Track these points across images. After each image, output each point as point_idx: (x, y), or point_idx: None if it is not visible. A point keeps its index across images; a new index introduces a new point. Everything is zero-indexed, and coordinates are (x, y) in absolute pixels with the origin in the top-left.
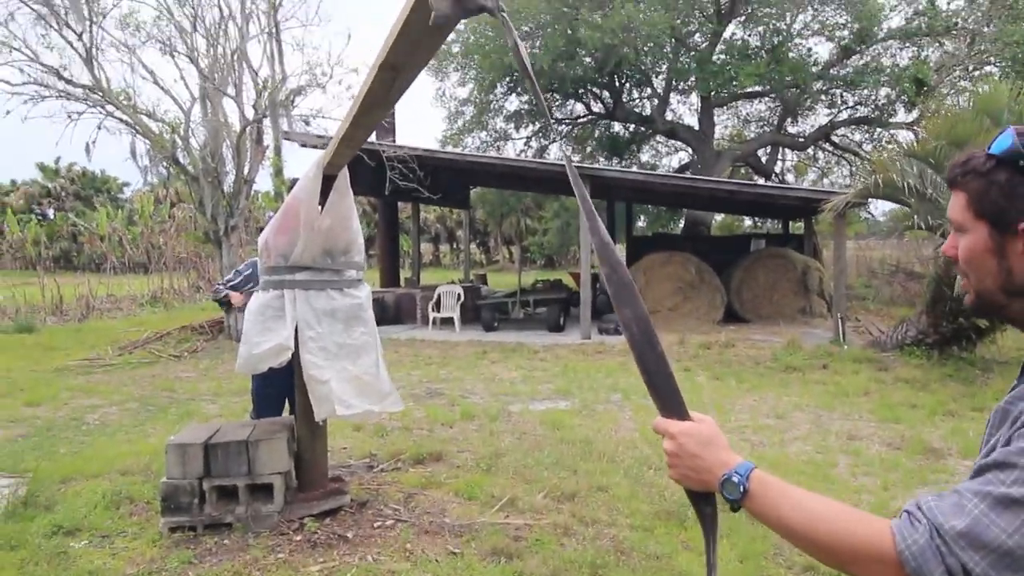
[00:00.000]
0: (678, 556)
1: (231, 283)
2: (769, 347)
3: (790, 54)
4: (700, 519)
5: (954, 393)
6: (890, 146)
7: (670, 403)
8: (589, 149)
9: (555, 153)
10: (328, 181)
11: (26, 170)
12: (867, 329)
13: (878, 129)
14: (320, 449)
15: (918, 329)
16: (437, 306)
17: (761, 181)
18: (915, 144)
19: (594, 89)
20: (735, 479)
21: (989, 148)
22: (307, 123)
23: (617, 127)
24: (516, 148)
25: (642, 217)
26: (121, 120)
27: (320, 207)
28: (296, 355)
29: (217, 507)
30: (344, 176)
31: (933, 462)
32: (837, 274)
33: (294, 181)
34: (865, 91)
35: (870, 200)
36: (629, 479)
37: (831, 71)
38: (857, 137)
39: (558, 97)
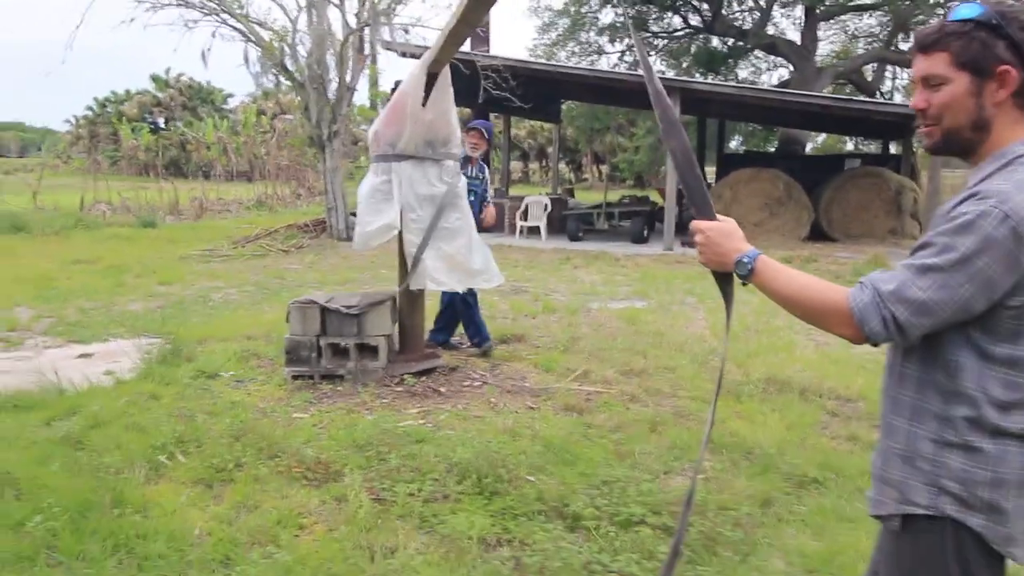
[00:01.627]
0: (730, 421)
1: None
2: (851, 263)
3: None
4: (723, 294)
5: None
6: None
7: (704, 208)
8: (685, 64)
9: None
10: (431, 79)
11: (140, 81)
12: None
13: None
14: (419, 318)
15: None
16: (525, 215)
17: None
18: None
19: (692, 1)
20: (745, 260)
21: (953, 17)
22: (406, 31)
23: (715, 41)
24: (610, 62)
25: (737, 137)
26: (234, 28)
27: (423, 103)
28: (401, 234)
29: (332, 361)
30: (446, 74)
31: None
32: (931, 193)
33: (396, 86)
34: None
35: None
36: (695, 363)
37: None
38: None
39: (654, 9)
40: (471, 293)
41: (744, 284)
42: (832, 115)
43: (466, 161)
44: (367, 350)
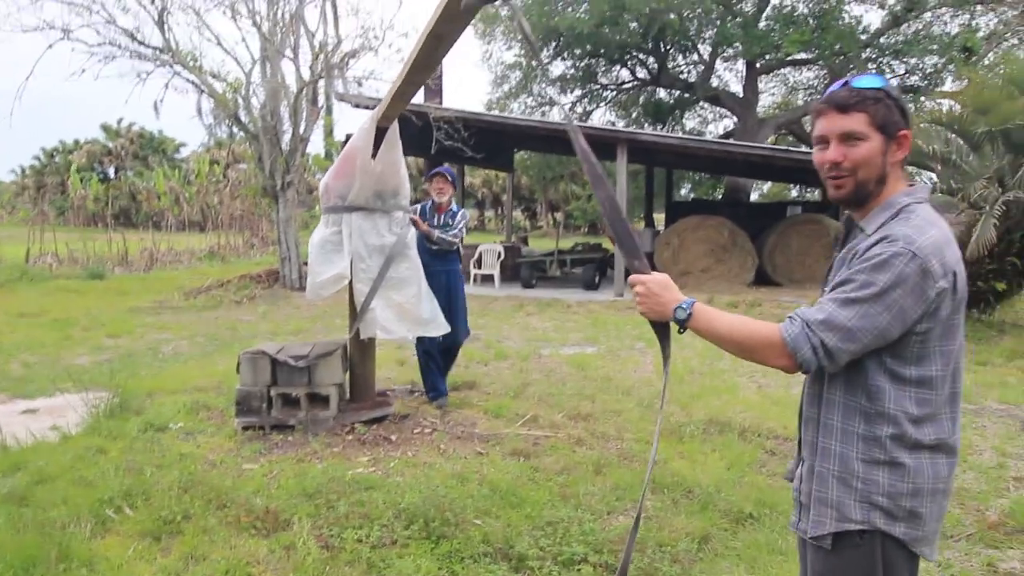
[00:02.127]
0: (672, 462)
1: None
2: (795, 307)
3: (839, 21)
4: (661, 341)
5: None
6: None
7: (636, 258)
8: (635, 115)
9: (598, 118)
10: (380, 133)
11: (90, 130)
12: None
13: (923, 99)
14: (369, 367)
15: None
16: (479, 263)
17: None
18: (940, 111)
19: (639, 55)
20: (684, 306)
21: (863, 85)
22: (360, 84)
23: (662, 93)
24: (562, 113)
25: (687, 185)
26: (187, 80)
27: (373, 156)
28: (352, 283)
29: (282, 411)
30: (394, 129)
31: None
32: None
33: (348, 137)
34: (913, 60)
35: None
36: (641, 407)
37: (880, 39)
38: (909, 107)
39: (603, 62)
40: (433, 345)
41: (681, 332)
42: (773, 164)
43: (433, 210)
44: (318, 400)
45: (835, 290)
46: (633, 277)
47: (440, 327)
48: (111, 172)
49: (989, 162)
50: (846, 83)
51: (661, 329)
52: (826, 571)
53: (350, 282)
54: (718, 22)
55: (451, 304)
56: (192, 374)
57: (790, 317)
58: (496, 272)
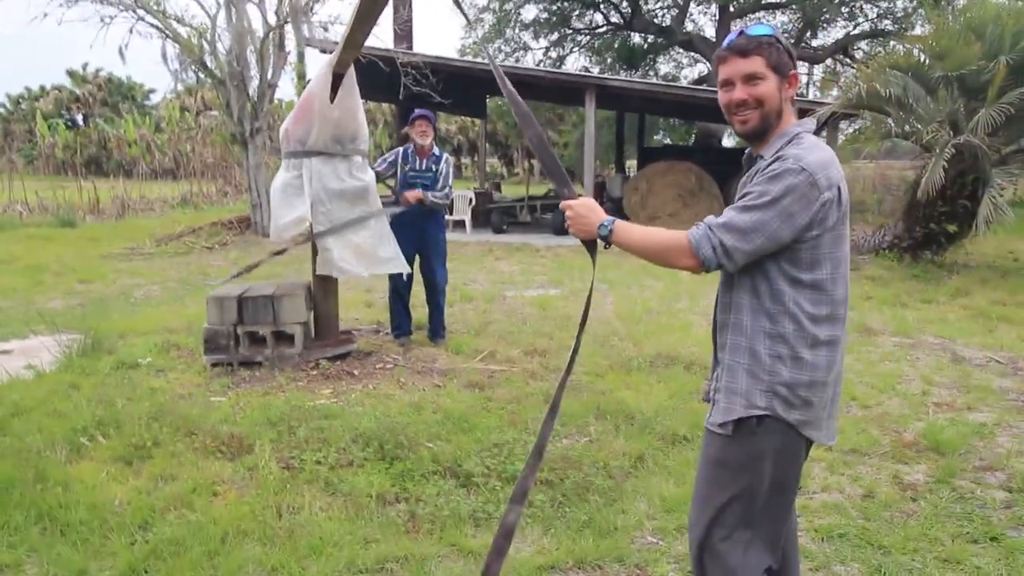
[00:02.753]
0: (619, 391)
1: (379, 169)
2: None
3: None
4: (590, 253)
5: (910, 289)
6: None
7: (564, 187)
8: (608, 60)
9: (571, 63)
10: (337, 78)
11: (56, 76)
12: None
13: (892, 43)
14: (332, 305)
15: (894, 234)
16: (450, 209)
17: None
18: (898, 56)
19: None
20: (606, 223)
21: (756, 33)
22: (325, 29)
23: (636, 38)
24: (535, 58)
25: (662, 132)
26: (151, 24)
27: (331, 101)
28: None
29: (249, 349)
30: (351, 74)
31: (867, 337)
32: None
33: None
34: (885, 4)
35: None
36: (596, 343)
37: None
38: (876, 51)
39: (577, 6)
40: (401, 283)
41: (607, 247)
42: None
43: (415, 154)
44: (283, 337)
45: (738, 202)
46: (563, 203)
47: (399, 265)
48: (79, 119)
49: (944, 106)
50: (742, 32)
51: (590, 245)
52: (722, 456)
53: (310, 224)
54: None
55: (425, 249)
56: (163, 316)
57: (697, 224)
58: (468, 218)
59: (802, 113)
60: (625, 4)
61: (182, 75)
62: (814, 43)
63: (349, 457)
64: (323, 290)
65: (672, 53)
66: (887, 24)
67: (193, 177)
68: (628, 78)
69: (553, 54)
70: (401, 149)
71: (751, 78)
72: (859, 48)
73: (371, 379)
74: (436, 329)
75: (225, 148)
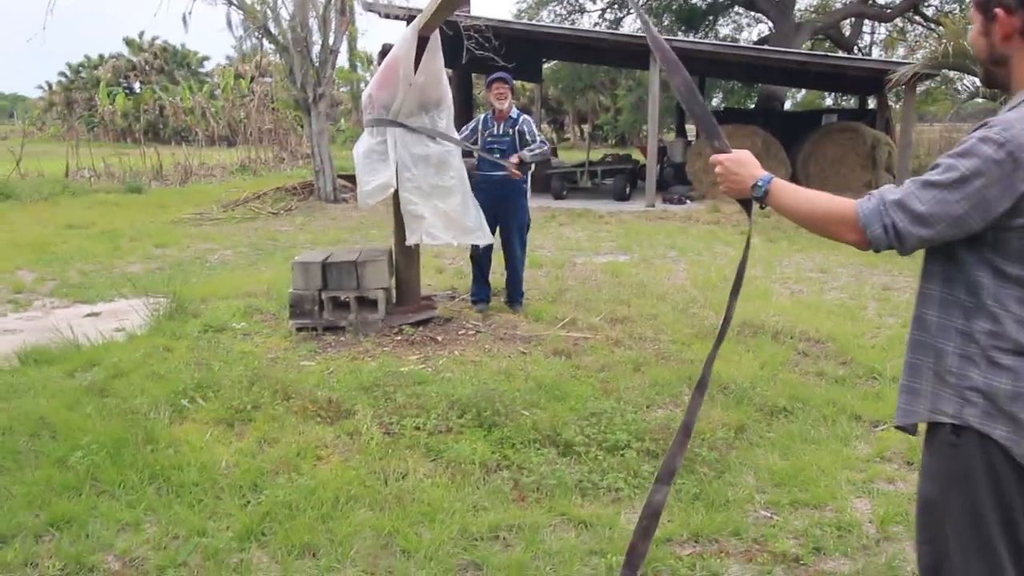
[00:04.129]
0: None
1: (461, 137)
2: None
3: None
4: (745, 210)
5: None
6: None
7: (716, 139)
8: (666, 22)
9: (628, 25)
10: (422, 42)
11: (113, 44)
12: None
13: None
14: (415, 272)
15: None
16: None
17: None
18: None
19: None
20: (760, 183)
21: None
22: None
23: None
24: (591, 20)
25: (718, 94)
26: None
27: (415, 66)
28: (397, 192)
29: (333, 314)
30: (436, 38)
31: None
32: (903, 147)
33: (383, 48)
34: None
35: (955, 76)
36: (675, 311)
37: None
38: (951, 7)
39: None
40: (480, 253)
41: (762, 208)
42: (810, 71)
43: (494, 119)
44: (366, 303)
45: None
46: (713, 157)
47: (484, 237)
48: (136, 87)
49: None
50: None
51: (745, 204)
52: (929, 468)
53: (396, 191)
54: None
55: (505, 217)
56: (241, 281)
57: (869, 194)
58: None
59: (881, 73)
60: None
61: (246, 42)
62: (880, 0)
63: (448, 423)
64: (405, 256)
65: (731, 14)
66: None
67: (250, 143)
68: (692, 39)
69: (610, 15)
70: (481, 116)
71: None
72: (930, 5)
73: (456, 345)
74: (514, 296)
75: (281, 114)
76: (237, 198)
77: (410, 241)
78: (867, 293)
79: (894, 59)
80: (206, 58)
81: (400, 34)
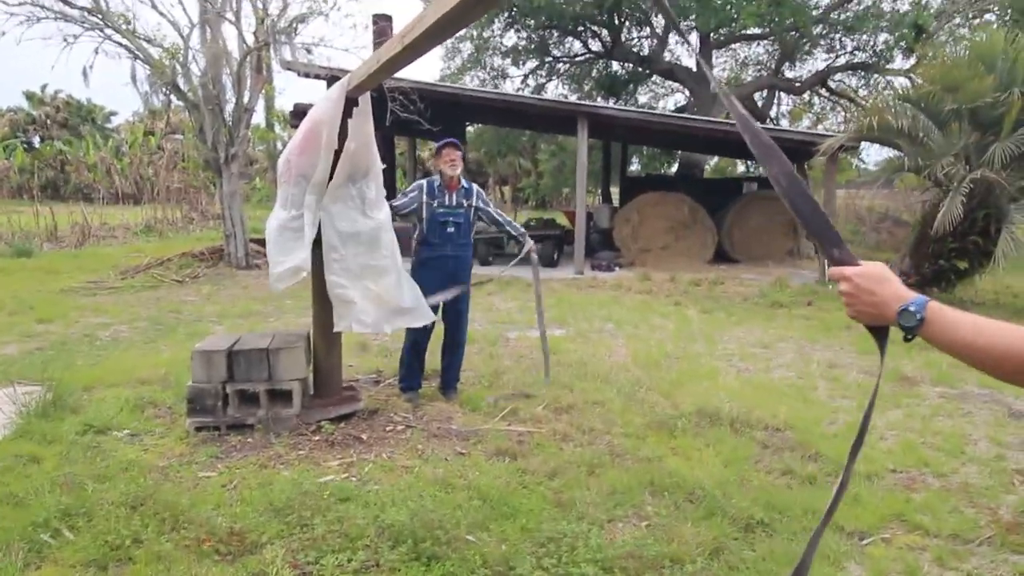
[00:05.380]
0: (668, 459)
1: (399, 203)
2: (757, 285)
3: None
4: (879, 348)
5: None
6: (886, 91)
7: (837, 249)
8: (587, 88)
9: (551, 91)
10: (349, 105)
11: (12, 97)
12: None
13: (875, 75)
14: (335, 358)
15: (901, 270)
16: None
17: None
18: (909, 89)
19: (593, 27)
20: (912, 309)
21: None
22: (309, 51)
23: (615, 67)
24: (514, 86)
25: (634, 160)
26: (120, 44)
27: (340, 130)
28: (318, 273)
29: (240, 410)
30: (366, 100)
31: (907, 388)
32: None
33: (298, 108)
34: (864, 36)
35: (862, 147)
36: (622, 396)
37: (831, 15)
38: (853, 83)
39: (555, 33)
40: (422, 336)
41: (908, 339)
42: (731, 140)
43: (443, 187)
44: (279, 396)
45: None
46: (836, 270)
47: (423, 316)
48: (36, 142)
49: (956, 140)
50: None
51: (878, 334)
52: None
53: (320, 273)
54: None
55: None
56: (134, 364)
57: None
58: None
59: (806, 146)
60: (606, 33)
61: (153, 98)
62: (788, 74)
63: (378, 558)
64: (325, 341)
65: (649, 83)
66: (864, 57)
67: (157, 202)
68: (619, 106)
69: (532, 82)
70: (424, 182)
71: None
72: (840, 80)
73: (384, 446)
74: (451, 382)
75: (191, 173)
76: (138, 263)
77: (338, 328)
78: (814, 371)
79: (816, 131)
80: (113, 113)
81: (323, 94)
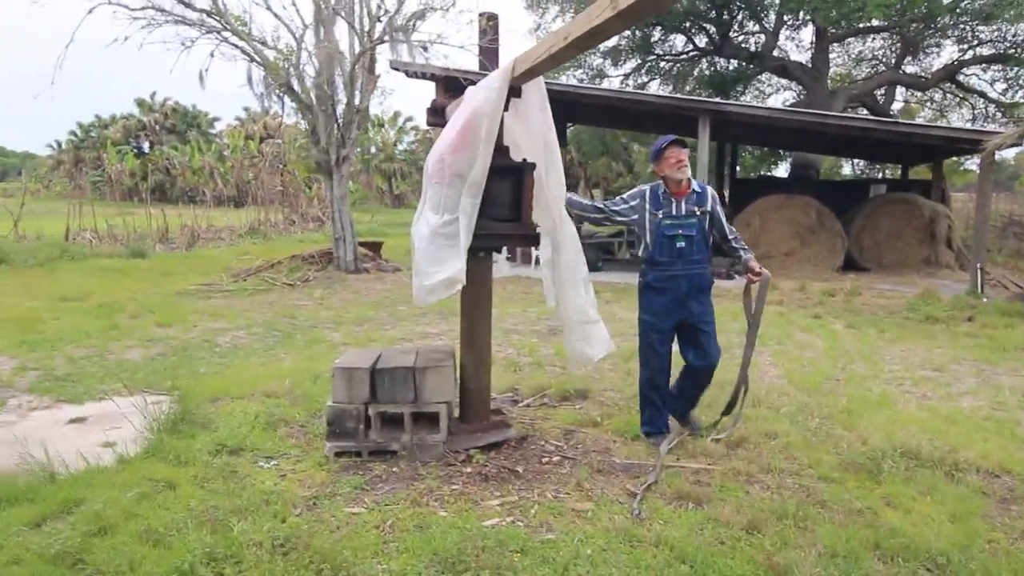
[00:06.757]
0: (883, 512)
1: (617, 208)
2: (899, 296)
3: None
4: None
5: None
6: None
7: None
8: (689, 87)
9: (654, 90)
10: (513, 95)
11: (123, 106)
12: (999, 282)
13: (1013, 68)
14: (485, 380)
15: None
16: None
17: None
18: None
19: (701, 22)
20: None
21: None
22: (425, 49)
23: (722, 63)
24: (612, 85)
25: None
26: (236, 46)
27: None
28: (470, 284)
29: (382, 434)
30: (540, 86)
31: None
32: (979, 221)
33: (440, 103)
34: (1003, 25)
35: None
36: (797, 427)
37: (963, 3)
38: (988, 77)
39: (660, 30)
40: (659, 370)
41: None
42: (869, 139)
43: (668, 195)
44: (425, 420)
45: None
46: None
47: (609, 344)
48: (145, 146)
49: None
50: None
51: None
52: None
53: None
54: None
55: (695, 318)
56: (257, 373)
57: None
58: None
59: (949, 141)
60: (713, 29)
61: (267, 99)
62: (909, 69)
63: None
64: (474, 358)
65: (755, 81)
66: (1002, 48)
67: (259, 204)
68: (745, 103)
69: (631, 82)
70: (647, 189)
71: None
72: (972, 74)
73: (544, 482)
74: (687, 408)
75: (291, 176)
76: (249, 267)
77: (598, 357)
78: (1010, 401)
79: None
80: (216, 119)
81: (482, 83)
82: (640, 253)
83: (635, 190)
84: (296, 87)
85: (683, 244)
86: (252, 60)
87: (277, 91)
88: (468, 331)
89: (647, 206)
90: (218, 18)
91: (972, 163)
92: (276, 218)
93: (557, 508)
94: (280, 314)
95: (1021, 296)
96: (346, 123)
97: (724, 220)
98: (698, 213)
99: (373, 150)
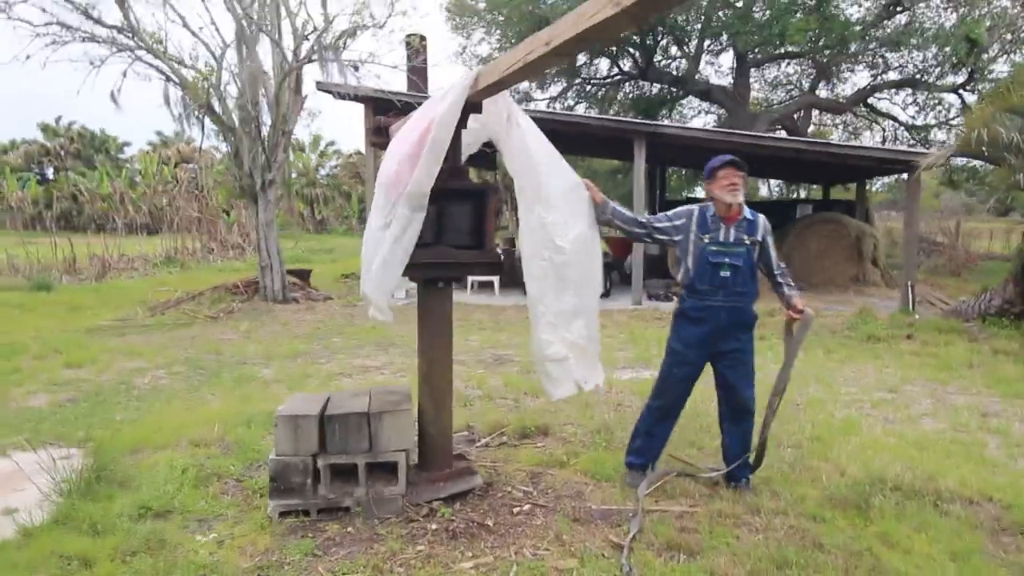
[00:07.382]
0: (880, 552)
1: (661, 225)
2: (836, 315)
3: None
4: None
5: None
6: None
7: None
8: (613, 111)
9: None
10: (468, 110)
11: (27, 130)
12: (925, 298)
13: (922, 92)
14: (446, 423)
15: (1003, 299)
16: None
17: None
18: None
19: (626, 47)
20: None
21: None
22: (356, 68)
23: (647, 87)
24: (537, 109)
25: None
26: (151, 65)
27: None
28: (426, 316)
29: (333, 488)
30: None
31: None
32: (908, 239)
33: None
34: (911, 52)
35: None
36: (770, 458)
37: (871, 31)
38: (900, 100)
39: (586, 54)
40: (679, 401)
41: None
42: (798, 160)
43: (718, 220)
44: (380, 470)
45: None
46: None
47: (600, 374)
48: (50, 173)
49: None
50: None
51: None
52: None
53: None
54: (706, 13)
55: (732, 357)
56: (182, 419)
57: None
58: (495, 279)
59: (879, 162)
60: (639, 54)
61: (186, 121)
62: (821, 94)
63: None
64: (433, 398)
65: (677, 105)
66: (909, 74)
67: (175, 232)
68: (680, 125)
69: (558, 105)
70: (695, 209)
71: None
72: (883, 97)
73: (520, 537)
74: (739, 464)
75: (209, 202)
76: (167, 299)
77: (557, 396)
78: (970, 423)
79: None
80: (127, 143)
81: (438, 94)
82: (680, 278)
83: (682, 208)
84: (217, 108)
85: (728, 274)
86: (168, 80)
87: (196, 112)
88: (426, 369)
89: (692, 227)
90: (130, 35)
91: (880, 183)
92: (194, 246)
93: (538, 568)
94: (204, 350)
95: (955, 311)
96: (271, 146)
97: (773, 253)
98: (747, 242)
99: (295, 175)
